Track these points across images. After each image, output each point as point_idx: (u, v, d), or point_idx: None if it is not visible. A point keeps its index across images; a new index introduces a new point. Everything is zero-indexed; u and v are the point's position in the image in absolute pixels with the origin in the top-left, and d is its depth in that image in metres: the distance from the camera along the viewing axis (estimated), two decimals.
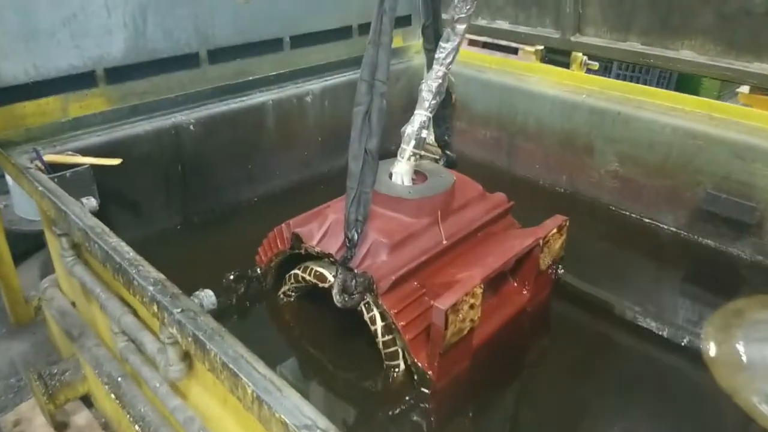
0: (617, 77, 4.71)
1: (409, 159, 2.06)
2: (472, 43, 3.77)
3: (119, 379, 1.92)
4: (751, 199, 2.44)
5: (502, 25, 3.14)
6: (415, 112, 2.05)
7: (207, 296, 1.52)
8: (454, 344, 1.78)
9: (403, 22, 3.37)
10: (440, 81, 2.02)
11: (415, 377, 1.82)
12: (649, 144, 2.68)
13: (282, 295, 2.19)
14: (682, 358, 2.13)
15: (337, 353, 2.06)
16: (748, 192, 2.45)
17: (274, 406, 1.07)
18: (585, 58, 2.91)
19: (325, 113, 3.06)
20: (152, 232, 2.57)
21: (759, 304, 2.31)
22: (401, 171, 2.07)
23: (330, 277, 1.91)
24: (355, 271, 1.80)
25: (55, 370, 2.16)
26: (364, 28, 3.17)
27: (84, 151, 2.28)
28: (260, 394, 1.09)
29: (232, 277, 2.17)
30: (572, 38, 2.85)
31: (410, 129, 2.04)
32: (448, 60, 2.00)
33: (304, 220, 2.04)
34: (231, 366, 1.15)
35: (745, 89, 2.84)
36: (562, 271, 2.34)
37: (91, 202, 1.99)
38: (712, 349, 2.11)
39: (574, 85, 2.89)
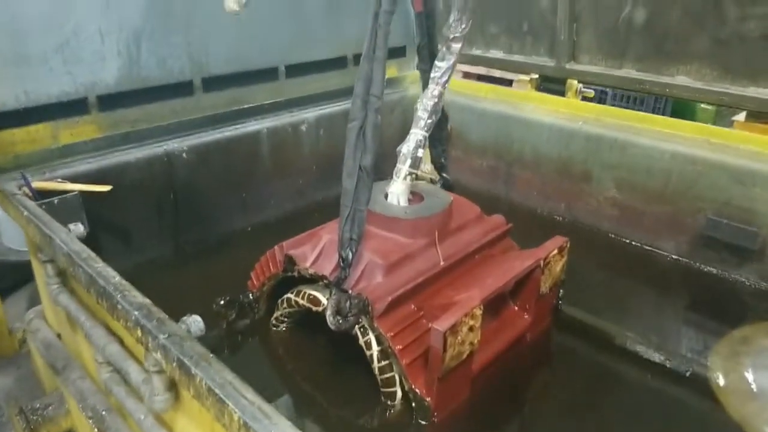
0: (612, 106, 4.73)
1: (405, 178, 2.02)
2: (467, 75, 3.80)
3: (103, 412, 1.83)
4: (752, 224, 2.41)
5: (497, 54, 3.15)
6: (411, 131, 2.02)
7: (195, 322, 1.45)
8: (453, 370, 1.71)
9: (398, 53, 3.38)
10: (436, 100, 2.00)
11: (413, 404, 1.74)
12: (648, 170, 2.65)
13: (274, 321, 2.12)
14: (689, 389, 2.06)
15: (331, 385, 1.98)
16: (750, 218, 2.42)
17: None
18: (580, 86, 2.91)
19: (320, 142, 3.04)
20: (143, 261, 2.50)
21: (766, 331, 2.25)
22: (397, 191, 2.03)
23: (324, 301, 1.85)
24: (350, 292, 1.74)
25: (38, 405, 2.07)
26: (359, 59, 3.14)
27: (74, 178, 2.23)
28: (247, 421, 1.02)
29: (222, 302, 2.10)
30: (567, 66, 2.86)
31: (406, 148, 2.01)
32: (444, 79, 1.99)
33: (297, 242, 1.99)
34: (217, 391, 1.09)
35: (741, 117, 2.84)
36: (562, 296, 2.28)
37: (78, 228, 1.94)
38: (720, 378, 2.04)
39: (570, 113, 2.88)
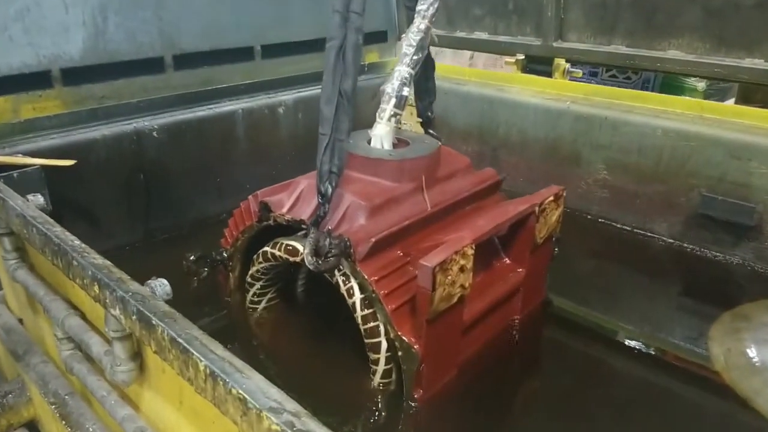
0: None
1: (389, 120, 1.87)
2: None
3: (66, 396, 1.68)
4: (748, 199, 2.33)
5: (482, 35, 3.06)
6: (395, 68, 1.87)
7: (161, 285, 1.32)
8: (443, 316, 1.58)
9: (379, 37, 3.29)
10: (422, 35, 1.85)
11: (400, 354, 1.59)
12: (639, 149, 2.57)
13: (250, 280, 1.96)
14: (690, 370, 1.98)
15: (314, 366, 1.87)
16: (746, 193, 2.34)
17: (231, 382, 0.86)
18: (568, 66, 2.83)
19: (298, 126, 2.91)
20: (110, 248, 2.34)
21: (765, 308, 2.16)
22: (381, 133, 1.88)
23: (302, 250, 1.69)
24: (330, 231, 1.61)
25: None
26: None
27: (36, 155, 2.08)
28: (214, 370, 0.89)
29: (193, 258, 1.94)
30: (554, 44, 2.78)
31: (390, 87, 1.86)
32: (430, 11, 1.84)
33: (273, 190, 1.86)
34: (180, 341, 0.95)
35: (730, 102, 2.78)
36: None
37: (38, 198, 1.79)
38: (721, 355, 1.94)
39: (558, 93, 2.80)
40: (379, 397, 1.73)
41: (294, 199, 1.77)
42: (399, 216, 1.74)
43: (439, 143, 1.99)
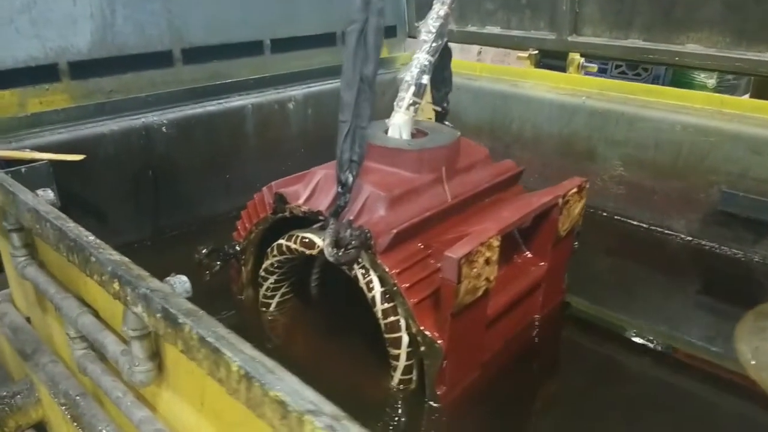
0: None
1: (408, 109, 1.82)
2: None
3: (77, 397, 1.63)
4: None
5: (494, 30, 3.01)
6: (414, 56, 1.81)
7: (180, 282, 1.26)
8: (467, 310, 1.52)
9: (388, 32, 3.23)
10: (442, 21, 1.79)
11: (422, 349, 1.54)
12: (657, 144, 2.52)
13: (263, 274, 1.91)
14: (711, 371, 1.92)
15: (327, 360, 1.84)
16: (767, 188, 2.29)
17: (269, 383, 0.81)
18: (582, 60, 2.78)
19: (308, 121, 2.86)
20: (119, 245, 2.22)
21: None
22: (399, 123, 1.82)
23: (319, 242, 1.64)
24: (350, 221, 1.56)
25: (4, 393, 1.84)
26: None
27: (43, 149, 2.02)
28: (249, 371, 0.84)
29: (205, 251, 1.89)
30: (569, 39, 2.73)
31: (409, 75, 1.80)
32: None
33: (288, 181, 1.81)
34: (210, 340, 0.90)
35: (744, 98, 2.73)
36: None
37: (48, 194, 1.74)
38: (749, 354, 1.89)
39: (572, 88, 2.75)
40: (400, 397, 1.68)
41: (310, 190, 1.72)
42: (419, 207, 1.69)
43: (459, 133, 1.94)
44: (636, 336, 2.04)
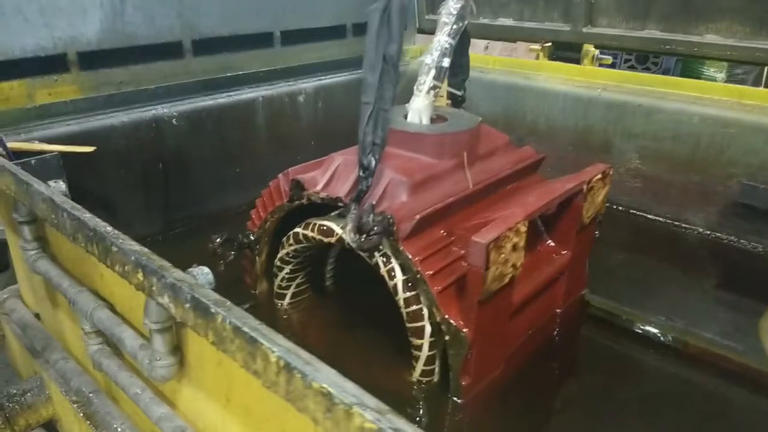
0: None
1: (428, 93, 1.77)
2: None
3: (90, 395, 1.58)
4: None
5: (506, 22, 2.97)
6: (434, 38, 1.76)
7: (202, 273, 1.23)
8: (494, 298, 1.48)
9: None
10: (462, 3, 1.75)
11: (447, 338, 1.49)
12: (674, 136, 2.48)
13: (278, 263, 1.86)
14: (737, 369, 1.88)
15: (344, 354, 1.80)
16: None
17: (311, 374, 0.77)
18: (597, 52, 2.74)
19: (318, 114, 2.82)
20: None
21: None
22: (419, 107, 1.78)
23: (338, 230, 1.60)
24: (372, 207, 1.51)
25: (14, 391, 1.79)
26: (358, 29, 2.97)
27: (52, 141, 1.99)
28: (290, 362, 0.79)
29: (219, 240, 1.84)
30: (584, 30, 2.69)
31: (430, 58, 1.75)
32: None
33: (305, 168, 1.77)
34: (246, 330, 0.86)
35: None
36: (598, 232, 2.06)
37: (60, 185, 1.70)
38: None
39: (587, 80, 2.71)
40: (421, 393, 1.64)
41: (329, 176, 1.68)
42: (441, 193, 1.65)
43: (479, 119, 1.89)
44: (654, 332, 2.01)
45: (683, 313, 2.11)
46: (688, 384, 1.83)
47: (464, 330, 1.46)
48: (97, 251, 1.19)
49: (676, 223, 2.57)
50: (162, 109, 2.31)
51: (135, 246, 1.20)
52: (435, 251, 1.53)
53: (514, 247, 1.46)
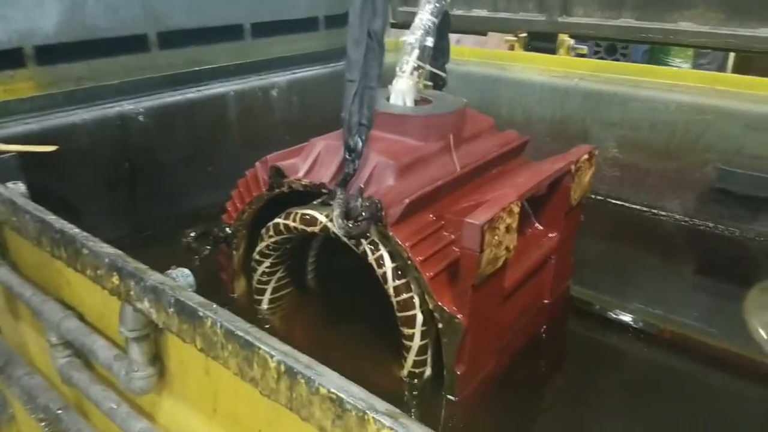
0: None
1: (411, 73, 1.70)
2: None
3: (59, 411, 1.47)
4: (766, 171, 2.27)
5: (481, 13, 2.93)
6: (417, 17, 1.70)
7: (183, 275, 1.14)
8: (487, 282, 1.43)
9: None
10: None
11: (440, 326, 1.43)
12: (652, 124, 2.48)
13: (257, 257, 1.77)
14: (716, 353, 1.89)
15: (329, 352, 1.69)
16: (763, 165, 2.28)
17: (317, 379, 0.70)
18: (572, 42, 2.72)
19: (293, 109, 2.73)
20: None
21: None
22: (403, 88, 1.71)
23: (322, 218, 1.53)
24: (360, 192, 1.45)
25: None
26: (331, 21, 2.90)
27: (9, 141, 1.86)
28: (293, 366, 0.72)
29: (193, 234, 1.75)
30: (560, 19, 2.67)
31: (412, 37, 1.69)
32: None
33: (284, 155, 1.68)
34: (240, 333, 0.78)
35: None
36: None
37: (19, 186, 1.58)
38: (762, 330, 1.86)
39: (564, 70, 2.69)
40: (413, 391, 1.58)
41: (310, 162, 1.60)
42: (429, 177, 1.59)
43: (464, 100, 1.84)
44: (634, 321, 2.00)
45: (663, 299, 2.10)
46: (673, 370, 1.81)
47: (458, 316, 1.40)
48: (65, 255, 1.10)
49: (654, 210, 2.57)
50: (127, 106, 2.20)
51: (108, 248, 1.11)
52: (425, 236, 1.47)
53: (508, 229, 1.41)
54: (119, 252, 1.10)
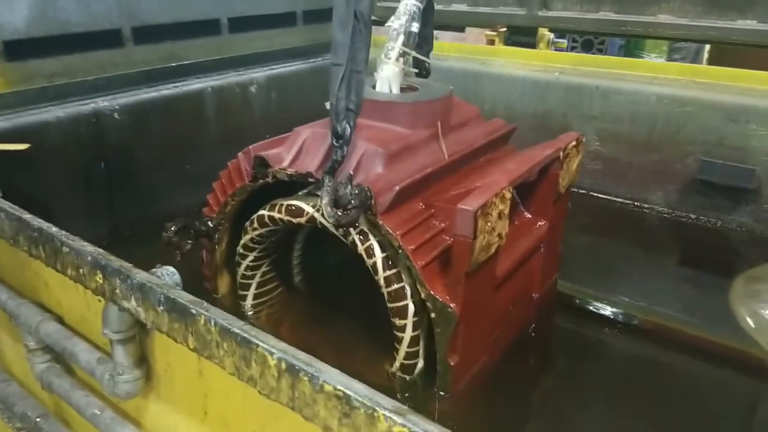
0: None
1: (397, 60, 1.66)
2: None
3: (38, 419, 1.41)
4: (747, 162, 2.30)
5: (460, 7, 2.91)
6: (402, 2, 1.66)
7: (168, 273, 1.09)
8: (480, 270, 1.40)
9: None
10: None
11: (433, 316, 1.40)
12: (632, 117, 2.49)
13: (241, 250, 1.71)
14: (713, 341, 1.90)
15: (317, 348, 1.65)
16: (743, 156, 2.31)
17: (320, 376, 0.67)
18: (552, 36, 2.72)
19: (272, 105, 2.68)
20: None
21: None
22: (389, 75, 1.66)
23: (308, 209, 1.48)
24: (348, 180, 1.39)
25: None
26: (309, 16, 2.86)
27: None
28: (295, 363, 0.69)
29: (174, 228, 1.68)
30: (540, 14, 2.66)
31: (397, 23, 1.64)
32: None
33: (267, 145, 1.63)
34: (236, 331, 0.74)
35: None
36: None
37: None
38: (749, 319, 1.86)
39: (544, 64, 2.68)
40: (407, 390, 1.55)
41: (295, 151, 1.55)
42: (418, 164, 1.55)
43: (451, 87, 1.81)
44: (618, 313, 2.00)
45: (647, 291, 2.10)
46: (659, 362, 1.82)
47: (451, 305, 1.37)
48: (44, 254, 1.05)
49: (636, 203, 2.58)
50: (102, 103, 2.13)
51: (89, 246, 1.06)
52: (415, 225, 1.43)
53: (500, 215, 1.39)
54: (99, 250, 1.05)
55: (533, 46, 2.78)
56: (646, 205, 2.56)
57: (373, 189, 1.37)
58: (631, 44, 4.59)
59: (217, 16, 2.50)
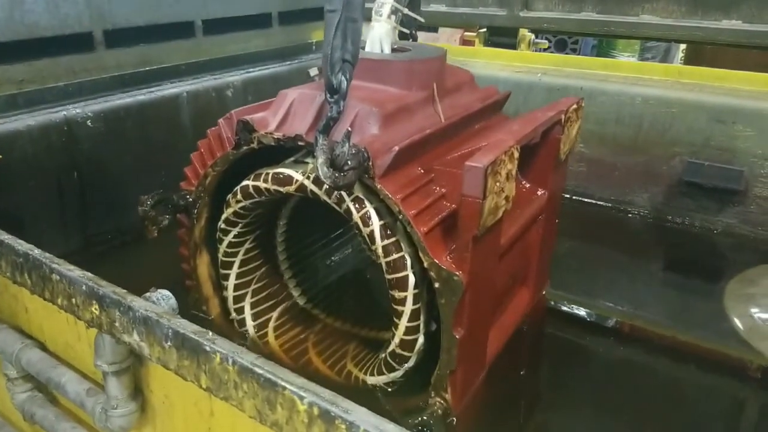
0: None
1: (389, 17, 1.57)
2: None
3: None
4: (734, 163, 2.30)
5: (439, 8, 2.87)
6: None
7: (164, 298, 1.02)
8: (486, 236, 1.31)
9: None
10: None
11: (437, 285, 1.29)
12: (617, 119, 2.48)
13: (223, 226, 1.57)
14: (700, 345, 1.90)
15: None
16: (730, 157, 2.32)
17: (358, 422, 0.61)
18: (533, 37, 2.69)
19: None
20: None
21: (766, 271, 2.12)
22: (380, 33, 1.58)
23: (297, 176, 1.37)
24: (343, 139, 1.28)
25: None
26: (284, 17, 2.77)
27: None
28: (328, 408, 0.62)
29: (150, 201, 1.56)
30: (521, 14, 2.64)
31: None
32: None
33: (251, 109, 1.51)
34: (259, 371, 0.68)
35: None
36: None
37: None
38: (741, 324, 1.86)
39: (526, 65, 2.66)
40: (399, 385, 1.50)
41: (282, 114, 1.44)
42: (415, 126, 1.46)
43: (445, 49, 1.73)
44: (607, 320, 1.99)
45: (633, 296, 2.09)
46: (647, 368, 1.81)
47: (458, 273, 1.27)
48: (30, 282, 0.96)
49: (622, 206, 2.57)
50: (74, 110, 2.02)
51: (75, 271, 0.98)
52: (415, 189, 1.34)
53: (508, 176, 1.30)
54: (89, 275, 0.97)
55: (514, 46, 2.75)
56: (631, 208, 2.56)
57: (370, 150, 1.26)
58: (604, 44, 4.63)
59: (191, 18, 2.40)
